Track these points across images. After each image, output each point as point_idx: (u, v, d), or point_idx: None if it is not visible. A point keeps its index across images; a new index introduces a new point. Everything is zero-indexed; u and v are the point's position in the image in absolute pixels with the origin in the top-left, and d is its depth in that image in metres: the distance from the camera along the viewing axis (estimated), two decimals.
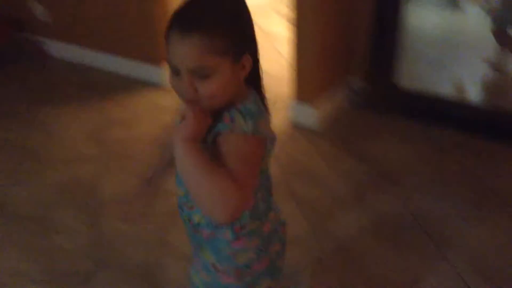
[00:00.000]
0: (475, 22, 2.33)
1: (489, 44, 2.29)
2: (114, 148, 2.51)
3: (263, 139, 0.88)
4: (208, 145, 0.86)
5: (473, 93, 2.45)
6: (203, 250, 1.03)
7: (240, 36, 0.87)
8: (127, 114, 2.85)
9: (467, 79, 2.43)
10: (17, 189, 2.20)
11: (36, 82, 3.31)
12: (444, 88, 2.49)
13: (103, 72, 3.32)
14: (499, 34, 2.29)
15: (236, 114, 0.86)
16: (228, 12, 0.86)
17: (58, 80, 3.34)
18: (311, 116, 2.65)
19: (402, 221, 1.98)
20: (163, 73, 3.11)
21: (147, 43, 3.09)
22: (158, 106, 2.91)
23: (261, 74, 0.97)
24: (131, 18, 3.08)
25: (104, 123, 2.74)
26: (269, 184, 1.05)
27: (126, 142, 2.57)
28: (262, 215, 1.02)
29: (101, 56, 3.36)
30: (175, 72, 0.85)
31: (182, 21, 0.82)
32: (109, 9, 3.16)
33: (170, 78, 0.87)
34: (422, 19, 2.45)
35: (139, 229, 1.95)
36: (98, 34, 3.32)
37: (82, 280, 1.73)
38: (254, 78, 0.95)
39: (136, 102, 2.98)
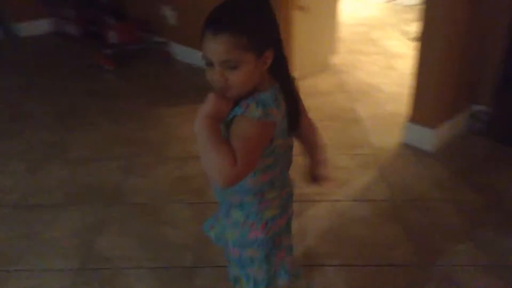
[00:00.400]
0: None
1: None
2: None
3: (270, 124, 1.04)
4: (225, 125, 1.03)
5: None
6: (234, 211, 1.20)
7: (262, 35, 1.02)
8: None
9: None
10: (134, 180, 2.35)
11: (158, 82, 3.54)
12: None
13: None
14: None
15: (252, 102, 1.02)
16: (252, 15, 1.01)
17: (178, 81, 3.55)
18: (427, 139, 2.52)
19: None
20: None
21: None
22: None
23: (287, 64, 1.12)
24: None
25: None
26: (286, 162, 1.21)
27: None
28: (277, 188, 1.18)
29: None
30: (209, 64, 1.02)
31: (214, 23, 0.99)
32: None
33: (206, 70, 1.03)
34: None
35: None
36: None
37: (184, 273, 1.79)
38: (281, 68, 1.10)
39: None
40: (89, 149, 2.62)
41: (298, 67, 3.28)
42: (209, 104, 1.01)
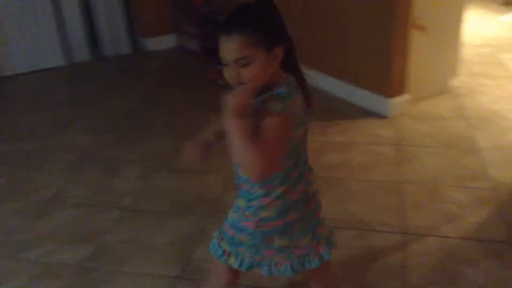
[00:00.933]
0: None
1: None
2: (323, 168, 2.54)
3: (291, 116, 1.14)
4: (249, 119, 1.11)
5: None
6: (240, 197, 1.31)
7: (270, 33, 1.14)
8: (344, 138, 2.87)
9: None
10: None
11: None
12: None
13: (333, 97, 3.42)
14: None
15: (272, 97, 1.13)
16: (260, 16, 1.15)
17: None
18: None
19: None
20: (390, 105, 3.05)
21: (381, 76, 3.07)
22: (376, 136, 2.87)
23: (297, 59, 1.26)
24: (370, 51, 3.09)
25: (321, 144, 2.80)
26: (303, 155, 1.28)
27: (335, 165, 2.58)
28: (292, 182, 1.24)
29: (333, 81, 3.45)
30: (225, 63, 1.14)
31: (227, 26, 1.13)
32: (351, 41, 3.23)
33: (224, 70, 1.15)
34: None
35: None
36: (335, 61, 3.43)
37: None
38: (292, 63, 1.24)
39: (355, 128, 2.99)
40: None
41: (414, 88, 3.12)
42: (235, 96, 1.10)
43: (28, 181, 2.59)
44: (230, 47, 1.11)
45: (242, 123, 1.10)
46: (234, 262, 1.36)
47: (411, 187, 2.35)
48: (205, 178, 2.54)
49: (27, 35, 4.22)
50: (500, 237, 1.99)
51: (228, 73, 1.15)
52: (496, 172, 2.44)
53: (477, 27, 4.84)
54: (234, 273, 1.43)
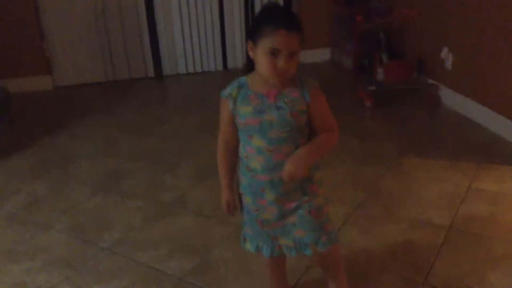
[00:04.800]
0: None
1: None
2: (462, 220, 2.17)
3: None
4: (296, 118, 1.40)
5: None
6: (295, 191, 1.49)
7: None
8: (499, 188, 2.43)
9: None
10: (354, 234, 2.18)
11: (415, 127, 3.26)
12: None
13: (494, 135, 3.00)
14: None
15: (304, 78, 1.42)
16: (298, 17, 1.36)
17: (439, 130, 3.20)
18: None
19: None
20: None
21: None
22: None
23: None
24: None
25: (467, 190, 2.42)
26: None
27: (479, 219, 2.18)
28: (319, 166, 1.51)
29: (496, 117, 3.00)
30: (274, 54, 1.30)
31: (287, 22, 1.30)
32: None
33: (267, 60, 1.31)
34: None
35: None
36: (498, 96, 2.97)
37: None
38: None
39: (509, 175, 2.53)
40: (324, 186, 2.53)
41: None
42: (296, 171, 1.36)
43: (159, 180, 2.71)
44: (290, 42, 1.30)
45: (309, 151, 1.39)
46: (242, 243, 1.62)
47: None
48: None
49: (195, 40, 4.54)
50: None
51: (273, 63, 1.31)
52: None
53: None
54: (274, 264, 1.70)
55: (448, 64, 3.42)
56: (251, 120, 1.39)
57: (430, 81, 3.66)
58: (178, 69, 4.61)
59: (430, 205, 2.33)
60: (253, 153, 1.43)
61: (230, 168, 1.52)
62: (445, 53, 3.44)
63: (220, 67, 4.66)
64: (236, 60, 4.69)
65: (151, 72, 4.56)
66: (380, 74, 3.65)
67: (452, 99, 3.43)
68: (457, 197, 2.38)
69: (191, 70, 4.63)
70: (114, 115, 3.71)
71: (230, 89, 1.44)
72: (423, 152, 2.88)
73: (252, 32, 1.36)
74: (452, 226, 2.16)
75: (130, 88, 4.33)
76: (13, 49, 4.17)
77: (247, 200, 1.52)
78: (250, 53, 1.38)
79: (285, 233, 1.51)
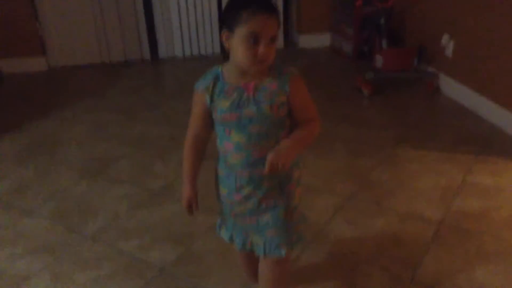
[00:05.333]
0: None
1: None
2: (455, 214, 2.11)
3: None
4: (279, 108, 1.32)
5: None
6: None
7: None
8: (495, 182, 2.37)
9: None
10: (342, 225, 2.13)
11: (413, 116, 3.18)
12: None
13: (493, 127, 2.92)
14: None
15: (283, 68, 1.34)
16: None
17: (436, 119, 3.13)
18: None
19: None
20: None
21: None
22: None
23: None
24: None
25: (461, 184, 2.35)
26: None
27: (472, 214, 2.13)
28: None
29: (496, 109, 2.92)
30: (255, 40, 1.22)
31: (266, 6, 1.23)
32: None
33: (248, 48, 1.23)
34: None
35: None
36: (499, 86, 2.89)
37: None
38: None
39: (507, 168, 2.47)
40: (316, 177, 2.49)
41: None
42: (280, 160, 1.27)
43: (148, 167, 2.66)
44: (271, 25, 1.22)
45: (293, 142, 1.32)
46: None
47: None
48: (315, 199, 2.31)
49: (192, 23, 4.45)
50: None
51: (253, 51, 1.22)
52: None
53: None
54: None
55: (449, 51, 3.33)
56: (229, 115, 1.32)
57: (430, 69, 3.57)
58: (175, 52, 4.52)
59: (423, 198, 2.27)
60: (231, 149, 1.36)
61: (196, 164, 1.46)
62: (445, 40, 3.34)
63: (217, 50, 4.57)
64: None
65: (147, 55, 4.48)
66: (378, 61, 3.56)
67: (452, 88, 3.35)
68: (451, 190, 2.31)
69: (188, 53, 4.54)
70: (106, 98, 3.65)
71: (205, 82, 1.35)
72: (419, 143, 2.81)
73: (227, 19, 1.26)
74: (444, 221, 2.10)
75: (125, 71, 4.25)
76: (7, 29, 4.08)
77: (223, 191, 1.46)
78: (225, 44, 1.29)
79: (257, 231, 1.45)
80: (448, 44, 3.33)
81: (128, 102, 3.57)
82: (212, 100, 1.33)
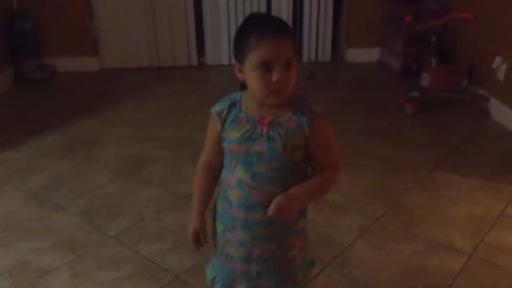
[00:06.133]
0: None
1: None
2: (487, 248, 1.98)
3: None
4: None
5: None
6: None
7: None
8: None
9: None
10: (365, 248, 2.06)
11: (458, 141, 3.04)
12: None
13: None
14: None
15: (306, 101, 1.20)
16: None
17: (484, 146, 2.97)
18: None
19: None
20: None
21: None
22: None
23: None
24: None
25: (495, 214, 2.22)
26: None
27: (507, 249, 1.99)
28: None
29: None
30: (267, 68, 1.10)
31: (273, 28, 1.11)
32: None
33: (260, 77, 1.11)
34: None
35: None
36: None
37: None
38: None
39: None
40: (344, 195, 2.41)
41: None
42: (284, 208, 1.15)
43: (180, 171, 2.69)
44: (281, 48, 1.11)
45: (299, 194, 1.17)
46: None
47: None
48: (339, 220, 2.25)
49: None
50: None
51: (267, 80, 1.11)
52: None
53: None
54: None
55: (501, 74, 3.17)
56: (237, 147, 1.19)
57: (481, 91, 3.41)
58: (221, 60, 4.57)
59: (455, 227, 2.16)
60: (233, 184, 1.23)
61: (206, 194, 1.32)
62: (498, 62, 3.18)
63: None
64: None
65: (194, 61, 4.55)
66: (425, 79, 3.44)
67: (501, 113, 3.18)
68: (486, 221, 2.19)
69: (234, 62, 4.57)
70: (149, 101, 3.73)
71: (220, 107, 1.24)
72: (459, 168, 2.68)
73: (236, 49, 1.16)
74: (475, 253, 1.98)
75: (171, 75, 4.34)
76: (65, 29, 4.27)
77: (218, 227, 1.32)
78: (239, 76, 1.19)
79: (246, 279, 1.29)
80: (500, 67, 3.17)
81: (170, 106, 3.64)
82: (223, 128, 1.22)
